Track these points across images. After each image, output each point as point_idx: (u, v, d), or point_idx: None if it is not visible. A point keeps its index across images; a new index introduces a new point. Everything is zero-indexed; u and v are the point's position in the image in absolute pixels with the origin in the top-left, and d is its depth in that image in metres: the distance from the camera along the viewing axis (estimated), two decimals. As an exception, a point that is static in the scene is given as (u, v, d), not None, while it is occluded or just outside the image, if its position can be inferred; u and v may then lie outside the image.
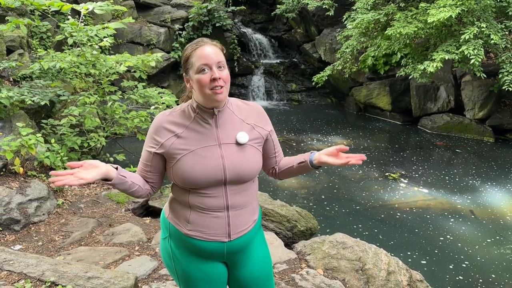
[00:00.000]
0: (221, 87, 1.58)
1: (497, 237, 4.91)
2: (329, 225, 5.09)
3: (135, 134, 5.43)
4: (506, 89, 7.32)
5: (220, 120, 1.67)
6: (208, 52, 1.58)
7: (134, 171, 4.84)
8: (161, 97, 5.42)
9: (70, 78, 6.94)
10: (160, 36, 10.38)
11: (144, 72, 5.66)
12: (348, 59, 9.49)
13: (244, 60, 11.95)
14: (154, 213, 4.33)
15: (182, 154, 1.61)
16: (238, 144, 1.66)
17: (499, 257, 4.51)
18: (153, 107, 5.32)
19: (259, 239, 1.83)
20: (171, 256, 1.74)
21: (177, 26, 10.66)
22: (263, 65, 12.37)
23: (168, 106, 5.25)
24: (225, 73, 1.60)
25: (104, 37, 5.26)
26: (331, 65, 9.91)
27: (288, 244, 3.79)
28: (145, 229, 3.81)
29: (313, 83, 10.09)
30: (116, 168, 1.62)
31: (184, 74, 1.68)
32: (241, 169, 1.65)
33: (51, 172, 1.47)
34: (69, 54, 5.25)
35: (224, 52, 1.66)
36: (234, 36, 11.59)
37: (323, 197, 5.93)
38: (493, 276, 4.19)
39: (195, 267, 1.71)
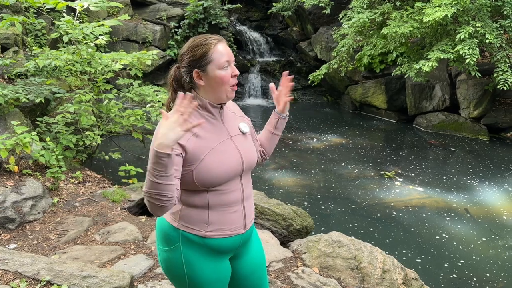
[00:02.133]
0: (236, 83, 1.66)
1: (492, 236, 4.95)
2: (325, 223, 5.10)
3: (131, 132, 5.42)
4: (501, 88, 7.35)
5: (223, 114, 1.72)
6: (227, 49, 1.63)
7: (130, 170, 4.78)
8: (157, 95, 5.41)
9: (66, 76, 6.89)
10: (155, 34, 10.35)
11: (140, 70, 5.64)
12: (344, 58, 9.50)
13: (240, 58, 11.94)
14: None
15: (206, 153, 1.58)
16: (242, 133, 1.74)
17: (494, 256, 4.54)
18: (148, 105, 5.31)
19: (254, 226, 1.91)
20: (182, 265, 1.66)
21: (173, 24, 10.63)
22: (259, 63, 12.35)
23: (163, 105, 5.24)
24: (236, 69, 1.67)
25: (100, 34, 5.24)
26: (327, 63, 9.92)
27: (284, 243, 3.80)
28: (141, 228, 3.80)
29: (309, 82, 10.09)
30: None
31: (196, 70, 1.60)
32: (252, 157, 1.73)
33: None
34: (64, 52, 5.23)
35: None
36: (230, 34, 11.57)
37: (318, 196, 5.94)
38: (488, 275, 4.22)
39: (208, 268, 1.68)
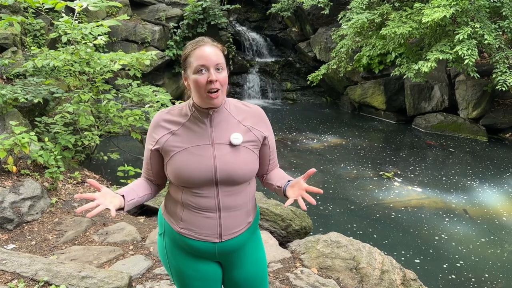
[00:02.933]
0: (217, 90, 1.57)
1: (492, 237, 4.95)
2: (324, 224, 5.10)
3: (129, 132, 5.41)
4: (500, 88, 7.36)
5: (215, 120, 1.65)
6: (208, 53, 1.56)
7: (128, 170, 4.78)
8: (156, 96, 5.40)
9: (64, 76, 6.89)
10: (154, 34, 10.34)
11: (139, 70, 5.63)
12: (343, 58, 9.51)
13: (239, 58, 11.93)
14: (149, 212, 4.32)
15: (176, 151, 1.63)
16: (231, 145, 1.64)
17: (492, 256, 4.54)
18: (147, 105, 5.30)
19: (254, 240, 1.82)
20: (165, 253, 1.77)
21: (172, 24, 10.62)
22: (258, 64, 12.35)
23: (162, 105, 5.24)
24: (222, 76, 1.58)
25: (99, 35, 5.23)
26: (326, 64, 9.92)
27: (283, 243, 3.80)
28: (140, 228, 3.80)
29: (308, 82, 10.09)
30: (123, 196, 1.63)
31: (183, 71, 1.67)
32: (232, 170, 1.62)
33: (77, 210, 1.51)
34: (63, 52, 5.21)
35: (225, 53, 1.64)
36: (229, 34, 11.57)
37: (317, 196, 5.92)
38: (486, 275, 4.22)
39: (188, 265, 1.73)
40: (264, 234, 3.72)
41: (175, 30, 10.62)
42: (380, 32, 8.29)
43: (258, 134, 1.70)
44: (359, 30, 8.89)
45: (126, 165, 4.94)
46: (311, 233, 4.04)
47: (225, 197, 1.65)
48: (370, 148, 8.14)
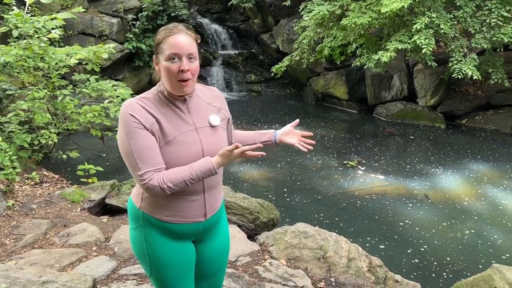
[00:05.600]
0: (188, 79, 1.60)
1: (453, 221, 5.13)
2: (291, 215, 5.13)
3: (89, 129, 5.22)
4: (456, 76, 7.62)
5: (191, 105, 1.69)
6: (181, 42, 1.58)
7: (89, 169, 4.63)
8: (116, 90, 5.24)
9: (18, 73, 6.55)
10: (112, 27, 10.03)
11: (97, 64, 5.43)
12: (305, 50, 9.57)
13: (202, 51, 11.78)
14: (112, 211, 4.19)
15: (164, 142, 1.61)
16: (211, 126, 1.72)
17: (454, 240, 4.72)
18: (107, 100, 5.13)
19: (223, 211, 1.94)
20: (143, 243, 1.74)
21: (130, 16, 10.33)
22: (222, 56, 12.25)
23: (123, 100, 5.08)
24: (194, 65, 1.61)
25: (53, 28, 4.99)
26: (289, 55, 9.96)
27: (251, 236, 3.79)
28: (103, 228, 3.68)
29: (272, 74, 10.11)
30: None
31: (154, 56, 1.67)
32: (216, 150, 1.68)
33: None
34: (15, 47, 4.95)
35: (199, 41, 1.66)
36: (191, 26, 11.35)
37: (284, 188, 5.97)
38: (448, 258, 4.38)
39: (169, 250, 1.74)
40: (233, 228, 3.70)
41: (134, 23, 10.33)
42: (341, 23, 8.39)
43: (225, 113, 1.82)
44: (320, 21, 8.96)
45: (86, 163, 4.77)
46: (279, 225, 4.06)
47: (208, 178, 1.70)
48: (335, 138, 8.26)
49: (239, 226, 3.82)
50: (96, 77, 5.47)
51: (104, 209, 4.25)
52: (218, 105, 1.80)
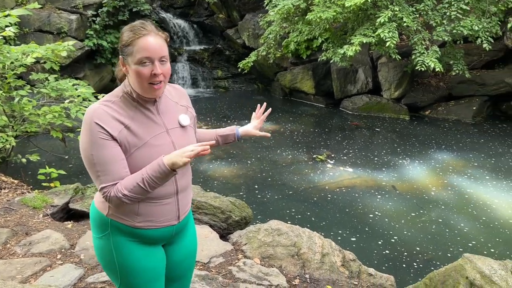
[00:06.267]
0: (161, 81, 1.55)
1: (421, 211, 5.24)
2: (263, 212, 5.10)
3: (49, 131, 4.98)
4: (419, 69, 7.79)
5: (160, 106, 1.64)
6: (152, 45, 1.51)
7: (51, 172, 4.41)
8: (76, 89, 5.02)
9: (-31, 73, 6.19)
10: (71, 24, 9.64)
11: (56, 63, 5.19)
12: (271, 45, 9.54)
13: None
14: (77, 216, 4.01)
15: (136, 146, 1.54)
16: (181, 127, 1.68)
17: (422, 229, 4.81)
18: (67, 101, 4.91)
19: (191, 214, 1.90)
20: (112, 252, 1.67)
21: (90, 12, 9.95)
22: (187, 52, 12.08)
23: (84, 99, 4.87)
24: (166, 67, 1.56)
25: (6, 26, 4.72)
26: (256, 50, 9.91)
27: (224, 236, 3.72)
28: (67, 235, 3.51)
29: (239, 69, 10.03)
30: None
31: (120, 55, 1.58)
32: None
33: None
34: (-36, 46, 4.65)
35: (168, 40, 1.60)
36: (154, 22, 11.11)
37: (256, 185, 5.92)
38: (418, 248, 4.46)
39: (140, 257, 1.68)
40: (204, 228, 3.62)
41: (94, 19, 9.96)
42: (306, 17, 8.40)
43: (192, 111, 1.80)
44: (285, 16, 8.94)
45: (48, 167, 4.56)
46: (252, 223, 4.01)
47: (181, 179, 1.68)
48: (303, 133, 8.29)
49: (211, 226, 3.74)
50: (56, 76, 5.23)
51: (68, 214, 4.06)
52: (185, 104, 1.77)
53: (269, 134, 2.12)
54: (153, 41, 1.51)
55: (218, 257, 3.28)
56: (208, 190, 4.39)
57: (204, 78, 11.93)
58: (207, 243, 3.39)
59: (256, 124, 2.09)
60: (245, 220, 3.96)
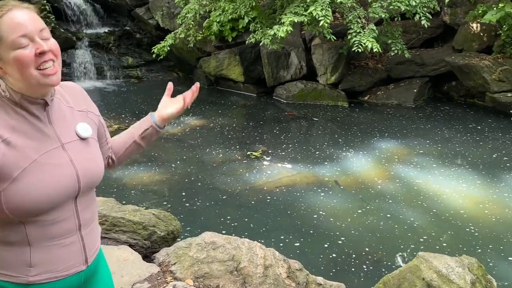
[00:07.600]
0: (53, 62, 1.34)
1: (368, 207, 5.43)
2: (194, 223, 4.99)
3: None
4: (356, 50, 8.08)
5: (52, 112, 1.42)
6: (23, 19, 1.30)
7: None
8: None
9: None
10: None
11: None
12: (190, 26, 9.39)
13: (62, 31, 10.96)
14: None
15: (21, 169, 1.30)
16: (81, 139, 1.48)
17: (370, 227, 4.99)
18: None
19: (101, 252, 1.70)
20: None
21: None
22: (87, 36, 11.63)
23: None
24: (53, 43, 1.35)
25: None
26: (172, 33, 9.71)
27: (148, 256, 3.59)
28: None
29: (154, 56, 9.79)
30: None
31: None
32: (95, 172, 1.49)
33: None
34: None
35: (40, 15, 1.38)
36: (44, 1, 10.50)
37: (182, 192, 5.78)
38: (367, 249, 4.62)
39: None
40: (123, 249, 3.45)
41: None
42: (229, -7, 8.37)
43: (93, 117, 1.59)
44: (205, -8, 8.85)
45: None
46: (181, 237, 3.92)
47: (83, 210, 1.47)
48: (234, 127, 8.27)
49: (130, 245, 3.58)
50: None
51: None
52: (84, 107, 1.57)
53: (197, 84, 1.92)
54: (21, 15, 1.31)
55: (143, 282, 3.14)
56: (124, 203, 4.21)
57: (112, 67, 11.51)
58: (127, 267, 3.23)
59: (167, 99, 1.85)
60: (173, 235, 3.86)
